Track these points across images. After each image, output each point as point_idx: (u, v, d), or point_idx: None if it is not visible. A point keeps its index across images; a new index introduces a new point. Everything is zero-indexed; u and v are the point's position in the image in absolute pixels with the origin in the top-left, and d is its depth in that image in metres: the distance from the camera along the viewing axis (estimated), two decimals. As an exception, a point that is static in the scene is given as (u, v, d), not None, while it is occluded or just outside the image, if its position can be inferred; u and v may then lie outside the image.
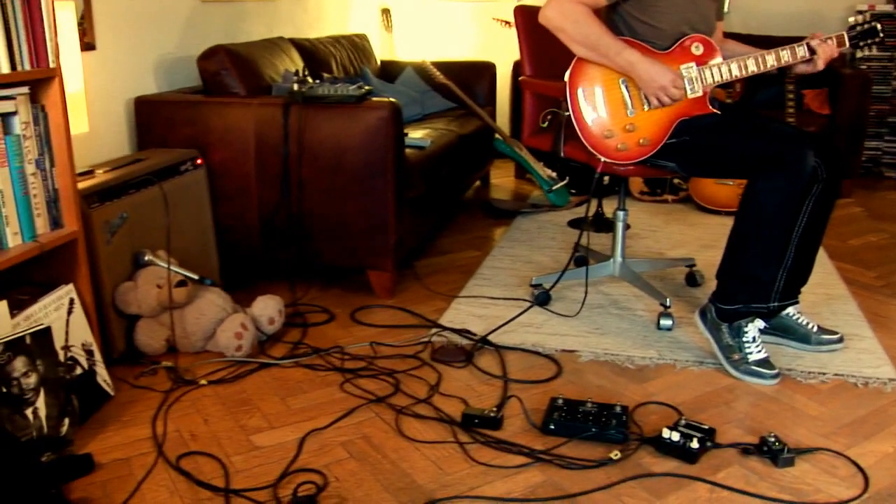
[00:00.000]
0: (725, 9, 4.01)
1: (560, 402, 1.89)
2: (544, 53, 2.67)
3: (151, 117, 2.69)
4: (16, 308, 1.76)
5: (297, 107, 2.53)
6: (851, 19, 4.38)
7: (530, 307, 2.58)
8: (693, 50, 2.23)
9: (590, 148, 2.27)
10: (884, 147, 4.60)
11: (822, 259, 3.07)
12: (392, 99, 2.55)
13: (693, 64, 2.22)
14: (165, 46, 2.94)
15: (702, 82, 2.22)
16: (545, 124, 2.55)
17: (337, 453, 1.76)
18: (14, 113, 1.77)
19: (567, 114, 2.27)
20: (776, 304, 2.18)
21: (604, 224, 3.55)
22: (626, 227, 2.65)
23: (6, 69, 1.73)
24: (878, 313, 2.57)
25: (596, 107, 2.25)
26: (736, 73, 2.21)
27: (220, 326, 2.23)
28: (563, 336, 2.39)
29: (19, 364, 1.66)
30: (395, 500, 1.59)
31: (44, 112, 1.86)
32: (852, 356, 2.25)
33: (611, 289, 2.78)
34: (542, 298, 2.62)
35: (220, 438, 1.82)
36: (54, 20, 1.84)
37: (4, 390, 1.63)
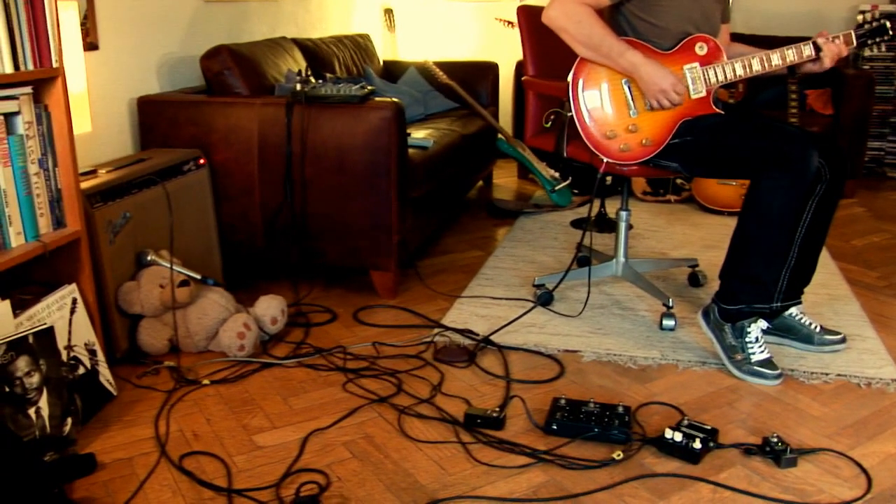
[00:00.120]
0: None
1: (563, 402, 1.89)
2: (547, 53, 2.67)
3: (154, 117, 2.69)
4: (19, 308, 1.76)
5: (300, 107, 2.53)
6: (860, 17, 4.37)
7: (533, 307, 2.58)
8: (697, 49, 2.22)
9: (592, 148, 2.27)
10: (887, 147, 4.59)
11: (824, 259, 3.06)
12: (395, 99, 2.55)
13: (696, 64, 2.21)
14: (168, 46, 2.94)
15: (705, 82, 2.21)
16: (548, 124, 2.55)
17: (339, 453, 1.76)
18: (17, 113, 1.77)
19: (570, 114, 2.27)
20: (779, 304, 2.18)
21: (606, 224, 3.55)
22: (629, 227, 2.65)
23: (9, 69, 1.73)
24: (880, 314, 2.57)
25: (599, 107, 2.25)
26: (740, 72, 2.19)
27: (222, 326, 2.23)
28: (565, 336, 2.38)
29: (22, 364, 1.66)
30: (397, 500, 1.59)
31: (47, 112, 1.86)
32: (855, 357, 2.24)
33: (613, 289, 2.78)
34: (544, 299, 2.62)
35: (222, 438, 1.82)
36: (57, 20, 1.84)
37: (7, 390, 1.63)
